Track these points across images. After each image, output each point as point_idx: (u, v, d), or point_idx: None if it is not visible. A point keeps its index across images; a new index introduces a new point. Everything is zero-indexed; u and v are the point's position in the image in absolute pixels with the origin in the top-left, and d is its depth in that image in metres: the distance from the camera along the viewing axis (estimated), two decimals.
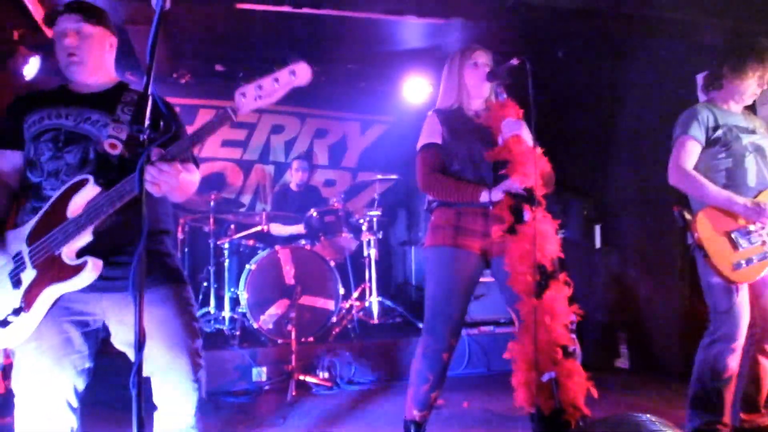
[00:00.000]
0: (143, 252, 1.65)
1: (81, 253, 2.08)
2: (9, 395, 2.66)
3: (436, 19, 4.42)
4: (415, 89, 6.72)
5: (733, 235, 3.08)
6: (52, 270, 2.06)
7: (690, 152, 3.15)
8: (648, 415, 2.14)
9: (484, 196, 2.94)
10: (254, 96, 1.99)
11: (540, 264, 3.26)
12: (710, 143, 3.15)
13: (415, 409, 3.05)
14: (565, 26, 4.34)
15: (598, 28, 4.80)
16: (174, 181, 2.01)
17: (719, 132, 3.14)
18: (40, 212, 2.12)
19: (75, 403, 2.21)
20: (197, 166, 2.43)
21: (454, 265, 3.03)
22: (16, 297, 2.07)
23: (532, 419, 3.18)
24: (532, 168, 3.25)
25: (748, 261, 3.04)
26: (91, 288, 2.10)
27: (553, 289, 3.25)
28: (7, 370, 3.65)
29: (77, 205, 2.07)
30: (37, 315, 2.06)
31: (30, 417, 2.14)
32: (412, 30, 5.68)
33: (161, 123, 1.90)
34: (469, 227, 3.03)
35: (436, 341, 3.03)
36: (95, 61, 2.35)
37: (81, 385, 2.23)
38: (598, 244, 5.65)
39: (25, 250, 2.10)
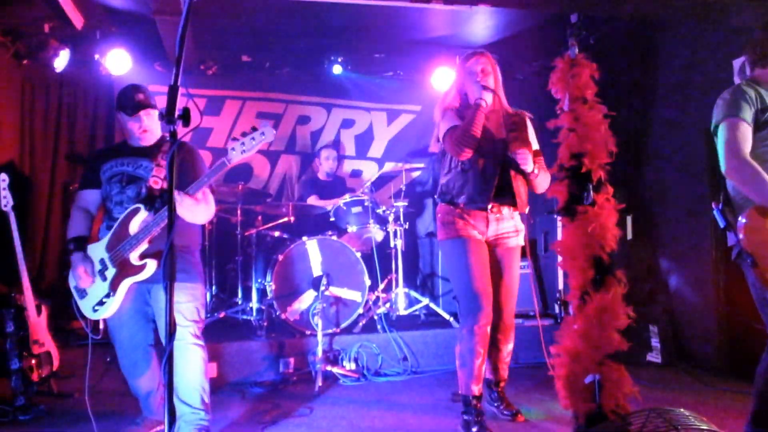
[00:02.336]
0: (173, 245, 1.92)
1: (143, 255, 3.13)
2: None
3: (461, 6, 4.38)
4: (442, 78, 6.66)
5: None
6: (126, 268, 3.15)
7: (745, 136, 2.72)
8: (681, 409, 2.10)
9: (480, 102, 3.48)
10: (240, 150, 2.96)
11: (597, 256, 3.22)
12: (759, 127, 2.75)
13: (473, 384, 3.42)
14: (597, 11, 4.25)
15: (632, 13, 4.71)
16: (187, 210, 3.11)
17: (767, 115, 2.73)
18: (112, 229, 3.20)
19: (153, 354, 3.40)
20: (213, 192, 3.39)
21: (470, 249, 3.49)
22: (105, 287, 3.18)
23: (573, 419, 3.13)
24: (597, 141, 3.24)
25: None
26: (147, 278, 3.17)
27: (608, 286, 3.21)
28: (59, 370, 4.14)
29: (135, 225, 3.14)
30: (120, 297, 3.16)
31: (124, 351, 3.35)
32: (438, 18, 5.65)
33: (189, 114, 1.96)
34: (472, 221, 3.53)
35: (480, 318, 3.41)
36: (155, 130, 3.42)
37: (150, 339, 3.39)
38: (629, 235, 5.57)
39: (106, 256, 3.19)
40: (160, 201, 3.23)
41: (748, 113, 2.73)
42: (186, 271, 3.27)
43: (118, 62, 5.84)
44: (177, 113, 1.92)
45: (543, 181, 3.63)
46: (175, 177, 3.07)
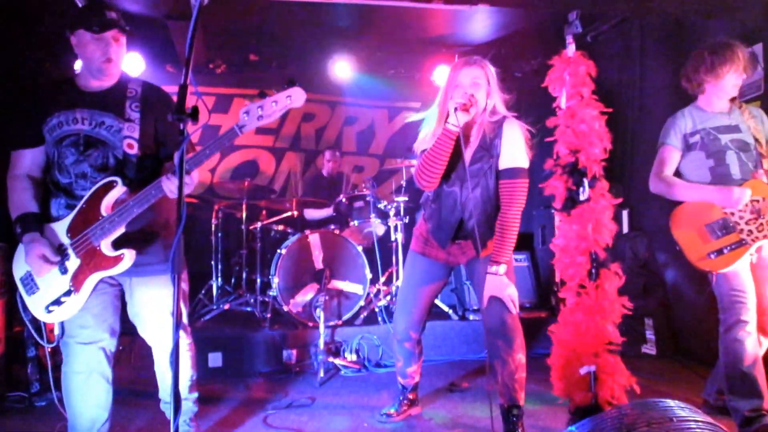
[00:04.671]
0: (181, 237, 1.86)
1: (116, 243, 2.51)
2: None
3: (461, 6, 4.45)
4: (442, 76, 6.74)
5: (707, 228, 3.21)
6: (95, 260, 2.50)
7: (667, 159, 3.35)
8: (676, 401, 2.17)
9: (450, 122, 2.89)
10: (256, 116, 2.34)
11: (592, 250, 3.30)
12: (689, 148, 3.33)
13: (399, 377, 3.62)
14: (594, 9, 4.30)
15: (630, 10, 4.75)
16: (190, 188, 2.51)
17: (696, 137, 3.30)
18: (76, 209, 2.52)
19: (110, 365, 2.73)
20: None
21: (417, 268, 3.34)
22: (65, 281, 2.51)
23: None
24: (594, 137, 3.32)
25: (719, 251, 3.17)
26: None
27: (603, 280, 3.29)
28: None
29: (108, 203, 2.49)
30: (84, 295, 2.52)
31: (76, 365, 2.67)
32: (438, 17, 5.73)
33: (198, 112, 1.99)
34: (434, 240, 3.25)
35: (397, 333, 3.44)
36: (120, 64, 2.68)
37: (113, 346, 2.74)
38: (625, 229, 5.63)
39: (67, 242, 2.52)
40: (136, 171, 2.60)
41: (674, 139, 3.35)
42: (169, 260, 2.72)
43: (131, 64, 6.05)
44: (187, 111, 1.97)
45: (512, 245, 3.03)
46: (150, 133, 2.67)
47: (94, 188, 2.52)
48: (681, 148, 3.34)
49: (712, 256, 3.18)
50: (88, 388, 2.68)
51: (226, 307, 5.55)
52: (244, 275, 5.89)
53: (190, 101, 1.94)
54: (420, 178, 3.05)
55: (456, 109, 2.86)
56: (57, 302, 2.53)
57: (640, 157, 5.70)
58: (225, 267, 6.28)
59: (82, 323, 2.62)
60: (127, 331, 3.28)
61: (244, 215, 5.87)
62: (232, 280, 6.30)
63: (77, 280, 2.51)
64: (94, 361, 2.67)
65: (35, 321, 2.65)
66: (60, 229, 2.55)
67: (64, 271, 2.53)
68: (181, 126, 1.91)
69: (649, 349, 5.23)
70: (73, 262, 2.52)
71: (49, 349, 3.91)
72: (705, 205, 3.23)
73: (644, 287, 5.35)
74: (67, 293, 2.52)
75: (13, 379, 3.89)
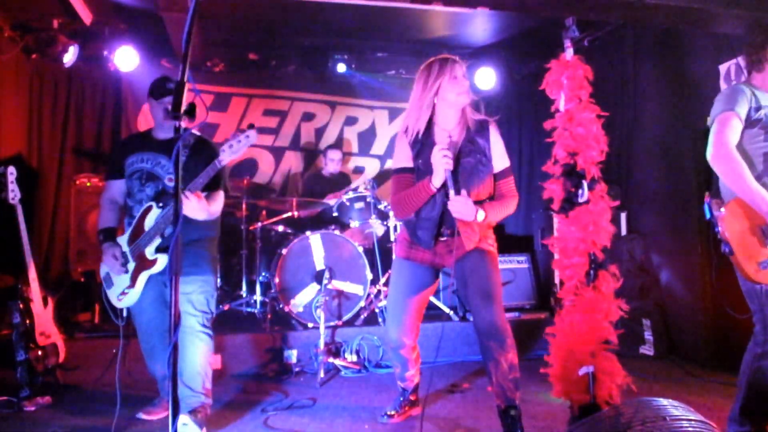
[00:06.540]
0: (180, 238, 1.93)
1: (158, 249, 3.33)
2: None
3: (462, 8, 4.46)
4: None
5: (762, 229, 2.78)
6: (143, 262, 3.36)
7: (734, 129, 2.82)
8: (670, 400, 2.18)
9: (432, 183, 3.03)
10: (230, 153, 3.08)
11: (590, 252, 3.30)
12: (751, 124, 2.85)
13: (398, 380, 3.67)
14: (590, 15, 4.32)
15: (622, 18, 4.78)
16: (193, 209, 3.13)
17: (761, 113, 2.83)
18: (131, 226, 3.42)
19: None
20: (226, 191, 3.53)
21: (404, 273, 3.36)
22: (127, 279, 3.41)
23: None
24: (591, 140, 3.30)
25: None
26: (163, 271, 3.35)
27: (601, 281, 3.29)
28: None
29: (149, 222, 3.32)
30: (139, 289, 3.39)
31: (143, 335, 3.58)
32: (439, 19, 5.74)
33: (195, 110, 2.02)
34: (418, 242, 3.27)
35: (390, 341, 3.46)
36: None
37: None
38: (623, 231, 5.64)
39: (127, 249, 3.43)
40: (172, 199, 3.22)
41: (742, 108, 2.83)
42: (196, 265, 3.40)
43: (125, 58, 5.95)
44: (183, 108, 1.98)
45: (499, 216, 3.17)
46: (192, 173, 3.26)
47: (140, 211, 3.37)
48: (744, 121, 2.83)
49: (764, 265, 2.74)
50: (152, 356, 3.59)
51: (226, 308, 5.54)
52: (244, 276, 5.88)
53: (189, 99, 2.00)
54: (396, 211, 3.27)
55: (446, 170, 2.98)
56: (123, 293, 3.44)
57: (635, 160, 5.74)
58: (225, 267, 6.28)
59: (140, 309, 3.50)
60: (118, 335, 3.45)
61: (243, 215, 5.86)
62: (232, 281, 6.30)
63: (134, 278, 3.39)
64: (154, 338, 3.55)
65: (111, 306, 3.49)
66: (123, 240, 3.46)
67: (126, 271, 3.41)
68: (177, 124, 1.93)
69: (647, 350, 5.25)
70: (131, 264, 3.40)
71: (40, 353, 3.93)
72: None
73: (641, 289, 5.36)
74: (129, 287, 3.40)
75: (1, 384, 3.86)
